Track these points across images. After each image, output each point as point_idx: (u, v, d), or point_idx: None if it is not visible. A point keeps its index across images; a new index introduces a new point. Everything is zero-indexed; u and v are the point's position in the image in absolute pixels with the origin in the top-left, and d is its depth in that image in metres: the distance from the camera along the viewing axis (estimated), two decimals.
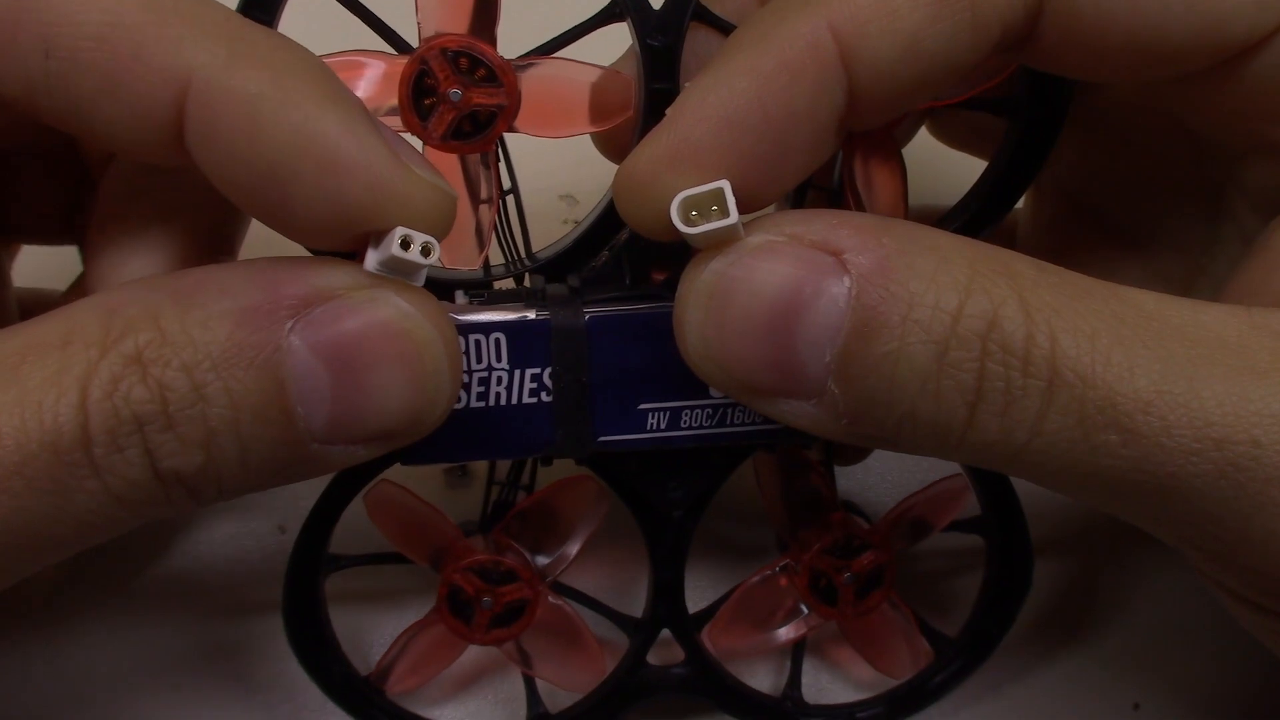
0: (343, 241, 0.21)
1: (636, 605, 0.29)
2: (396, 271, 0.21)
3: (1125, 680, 0.32)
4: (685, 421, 0.25)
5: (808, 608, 0.29)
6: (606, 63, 0.26)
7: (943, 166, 0.31)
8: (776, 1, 0.21)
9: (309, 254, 0.22)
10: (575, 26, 0.25)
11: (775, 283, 0.20)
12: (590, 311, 0.24)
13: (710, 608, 0.30)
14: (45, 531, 0.19)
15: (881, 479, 0.34)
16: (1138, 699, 0.31)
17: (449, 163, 0.25)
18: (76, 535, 0.20)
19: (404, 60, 0.24)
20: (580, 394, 0.24)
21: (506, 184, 0.26)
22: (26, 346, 0.19)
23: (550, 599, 0.28)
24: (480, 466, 0.31)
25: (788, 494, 0.30)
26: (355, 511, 0.27)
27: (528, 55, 0.25)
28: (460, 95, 0.24)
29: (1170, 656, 0.32)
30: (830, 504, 0.30)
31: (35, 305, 0.30)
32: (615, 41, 0.26)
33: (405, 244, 0.20)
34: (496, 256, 0.26)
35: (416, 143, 0.24)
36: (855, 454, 0.31)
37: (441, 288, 0.26)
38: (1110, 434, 0.20)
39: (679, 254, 0.22)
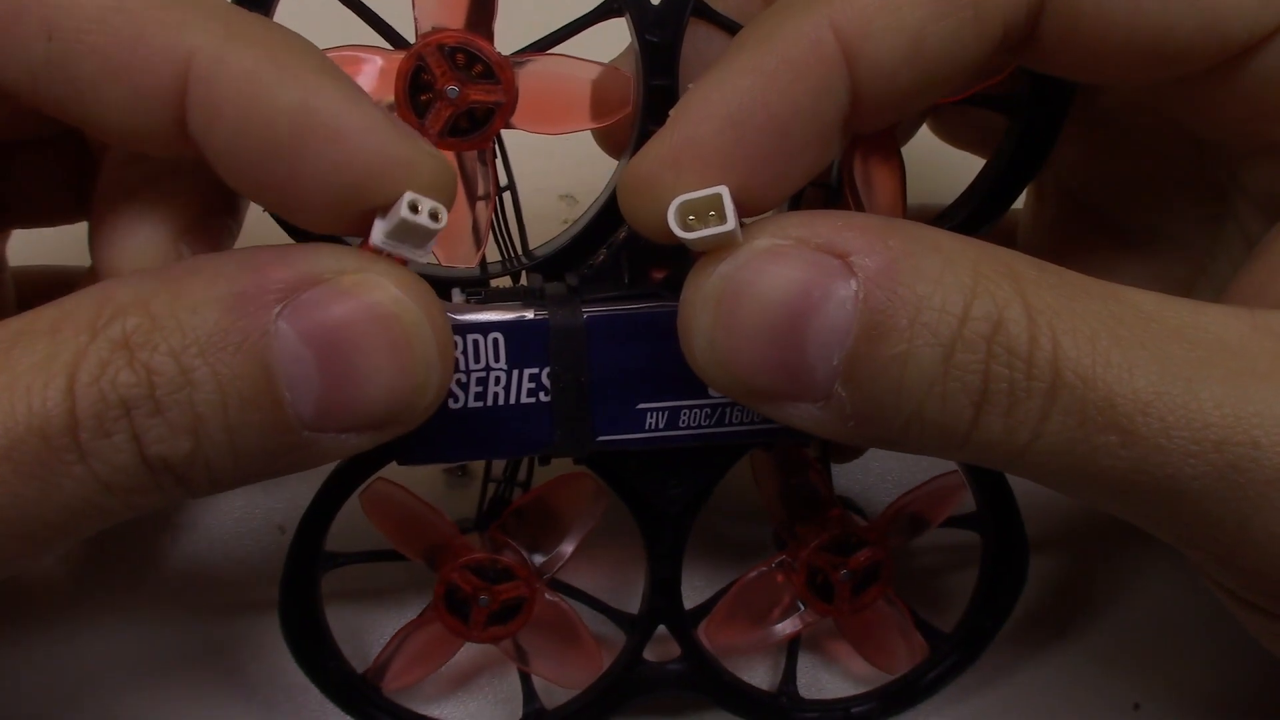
0: (347, 218, 0.20)
1: (633, 602, 0.29)
2: (405, 240, 0.20)
3: (1125, 679, 0.32)
4: (684, 421, 0.25)
5: (804, 604, 0.29)
6: (605, 59, 0.26)
7: (942, 164, 0.31)
8: (780, 1, 0.21)
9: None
10: (573, 22, 0.25)
11: (783, 287, 0.20)
12: (589, 311, 0.24)
13: (707, 604, 0.30)
14: (34, 518, 0.19)
15: (879, 476, 0.34)
16: (1137, 698, 0.31)
17: (449, 161, 0.25)
18: (66, 524, 0.20)
19: (400, 56, 0.24)
20: (579, 394, 0.24)
21: (504, 180, 0.26)
22: (17, 333, 0.19)
23: (547, 596, 0.28)
24: (479, 465, 0.31)
25: (785, 491, 0.30)
26: (352, 510, 0.27)
27: (525, 51, 0.25)
28: (457, 92, 0.24)
29: (1170, 655, 0.32)
30: (827, 501, 0.30)
31: (58, 283, 0.30)
32: (614, 37, 0.25)
33: (414, 208, 0.20)
34: (494, 254, 0.26)
35: None
36: (852, 451, 0.31)
37: (438, 285, 0.26)
38: (1110, 435, 0.20)
39: (678, 252, 0.22)
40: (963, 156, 0.31)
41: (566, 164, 0.34)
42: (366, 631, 0.31)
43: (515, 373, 0.24)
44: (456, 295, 0.25)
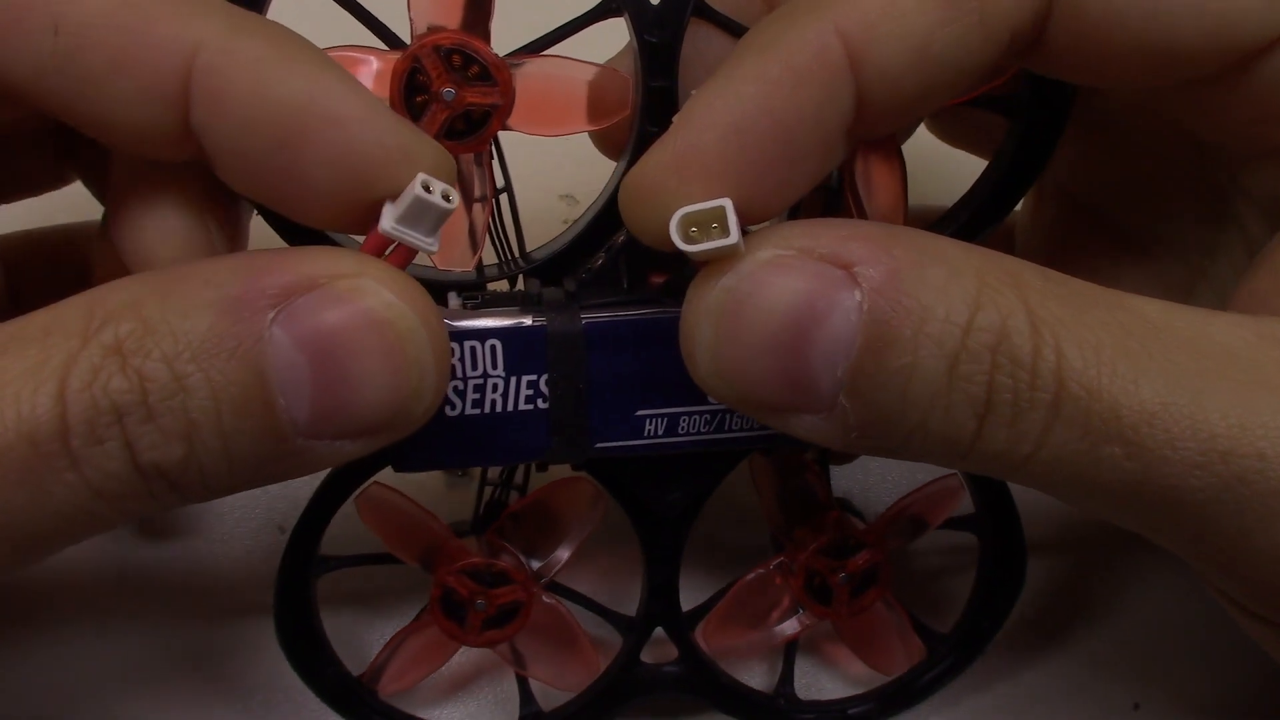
0: (349, 210, 0.20)
1: (631, 605, 0.29)
2: (416, 224, 0.20)
3: (1124, 680, 0.32)
4: (683, 427, 0.25)
5: (802, 607, 0.29)
6: (603, 59, 0.25)
7: (942, 164, 0.30)
8: (784, 6, 0.21)
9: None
10: (571, 21, 0.24)
11: (787, 298, 0.20)
12: (587, 317, 0.24)
13: (704, 606, 0.29)
14: (24, 525, 0.19)
15: (878, 478, 0.34)
16: (1137, 699, 0.31)
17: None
18: (58, 530, 0.19)
19: (395, 56, 0.23)
20: (577, 401, 0.24)
21: (501, 183, 0.26)
22: (9, 338, 0.19)
23: (544, 599, 0.28)
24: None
25: (783, 493, 0.30)
26: (350, 514, 0.27)
27: (522, 52, 0.24)
28: (453, 94, 0.23)
29: (1170, 657, 0.32)
30: (825, 503, 0.29)
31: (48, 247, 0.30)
32: (612, 37, 0.25)
33: (427, 189, 0.20)
34: (490, 257, 0.26)
35: None
36: (850, 454, 0.31)
37: (434, 289, 0.25)
38: (1114, 446, 0.20)
39: (677, 256, 0.21)
40: (963, 156, 0.31)
41: (567, 164, 0.34)
42: (363, 635, 0.31)
43: (513, 380, 0.24)
44: (453, 299, 0.25)
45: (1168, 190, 0.28)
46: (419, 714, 0.29)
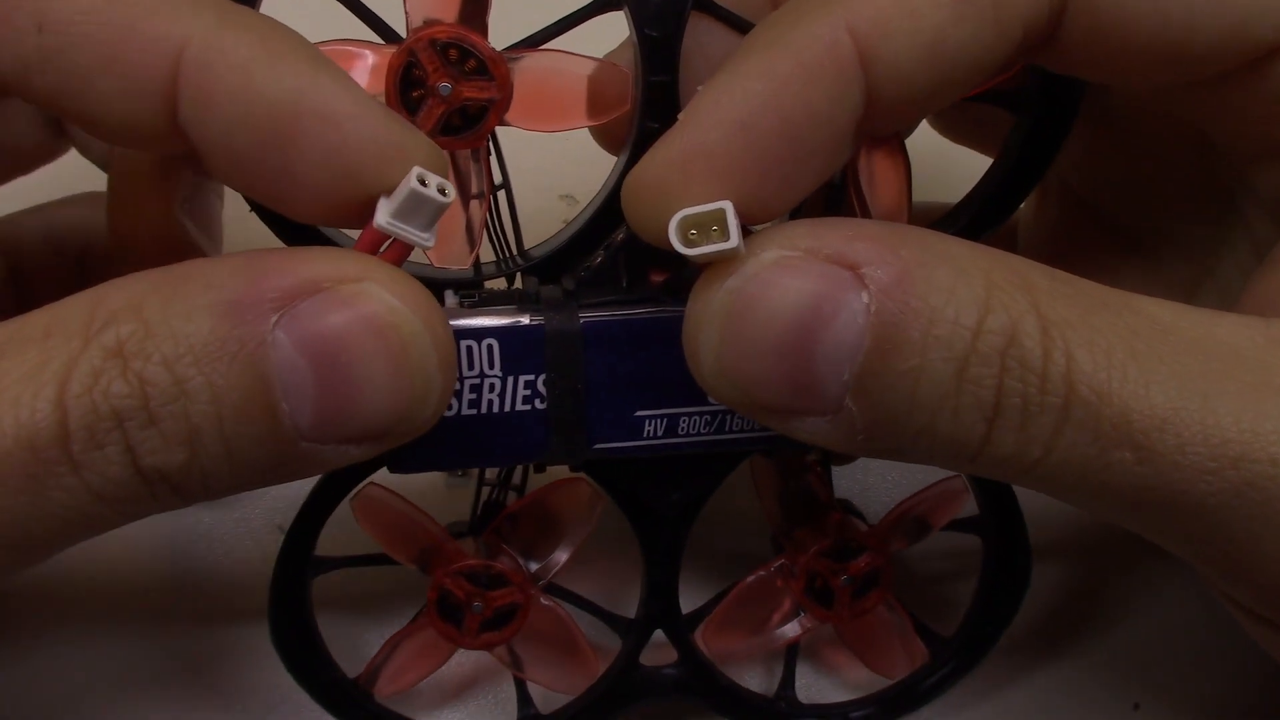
0: (340, 206, 0.20)
1: (630, 607, 0.29)
2: (412, 219, 0.20)
3: (1125, 681, 0.31)
4: (683, 428, 0.24)
5: (804, 609, 0.29)
6: (602, 54, 0.25)
7: (945, 161, 0.30)
8: (793, 1, 0.20)
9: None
10: (569, 15, 0.24)
11: (793, 300, 0.19)
12: (586, 316, 0.23)
13: (704, 608, 0.29)
14: (24, 529, 0.19)
15: (878, 478, 0.34)
16: (1137, 699, 0.31)
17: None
18: (58, 534, 0.19)
19: (391, 50, 0.23)
20: (575, 401, 0.24)
21: (498, 179, 0.25)
22: (9, 338, 0.19)
23: (542, 601, 0.28)
24: None
25: (785, 495, 0.29)
26: (347, 515, 0.26)
27: (520, 46, 0.24)
28: (450, 89, 0.23)
29: (1170, 658, 0.32)
30: (827, 504, 0.29)
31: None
32: (612, 31, 0.25)
33: (423, 182, 0.20)
34: (488, 255, 0.26)
35: None
36: (852, 455, 0.31)
37: (432, 287, 0.25)
38: (1124, 451, 0.19)
39: (677, 254, 0.21)
40: (967, 152, 0.30)
41: (566, 161, 0.33)
42: (359, 637, 0.31)
43: (510, 380, 0.23)
44: (450, 297, 0.25)
45: (1173, 188, 0.28)
46: (416, 716, 0.29)
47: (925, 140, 0.29)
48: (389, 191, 0.20)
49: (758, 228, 0.21)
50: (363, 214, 0.20)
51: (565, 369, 0.23)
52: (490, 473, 0.28)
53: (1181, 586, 0.32)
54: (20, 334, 0.19)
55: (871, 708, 0.30)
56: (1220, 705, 0.31)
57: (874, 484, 0.34)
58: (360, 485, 0.26)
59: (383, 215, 0.20)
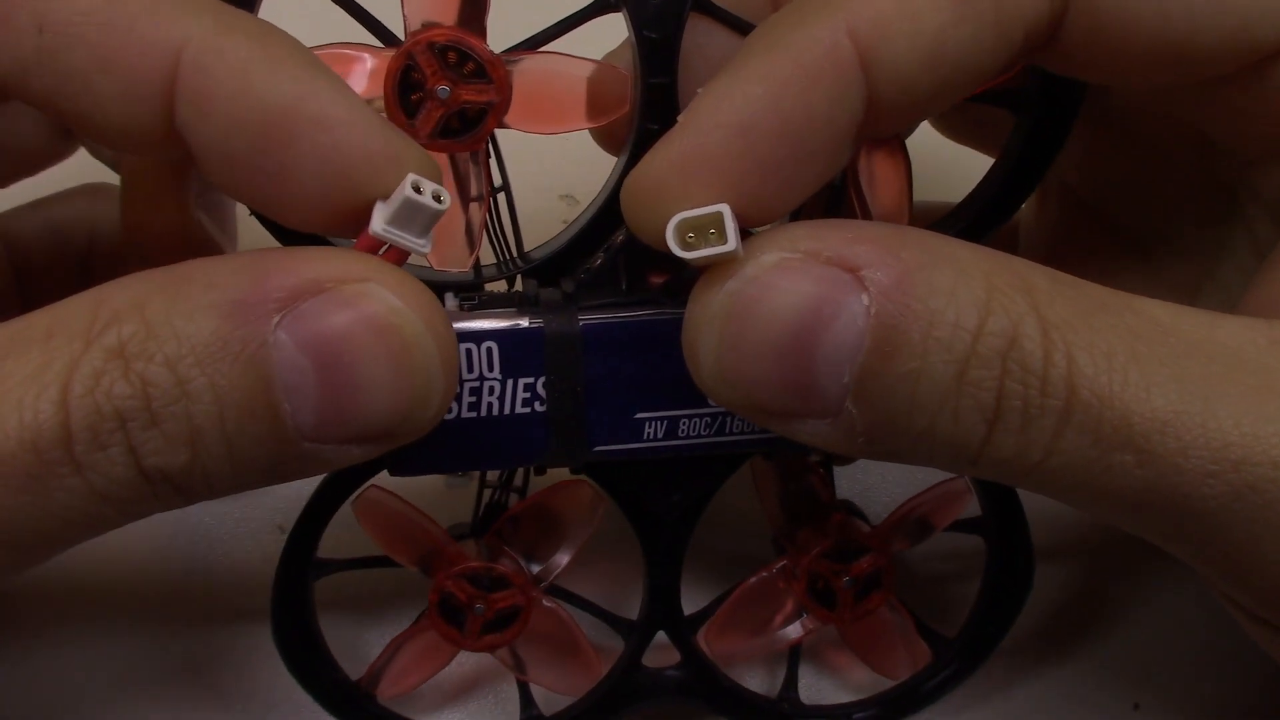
0: (334, 213, 0.20)
1: (632, 609, 0.29)
2: (407, 225, 0.20)
3: (1125, 681, 0.31)
4: (683, 430, 0.24)
5: (806, 611, 0.29)
6: (601, 56, 0.25)
7: (945, 161, 0.30)
8: (792, 4, 0.20)
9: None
10: (568, 17, 0.24)
11: (793, 303, 0.19)
12: (585, 318, 0.23)
13: (706, 610, 0.29)
14: (28, 530, 0.19)
15: (880, 478, 0.34)
16: (1138, 700, 0.31)
17: (437, 161, 0.24)
18: (61, 534, 0.19)
19: (390, 53, 0.23)
20: (575, 403, 0.24)
21: (498, 181, 0.25)
22: (11, 340, 0.19)
23: (544, 603, 0.28)
24: None
25: (786, 496, 0.29)
26: (349, 517, 0.26)
27: (519, 48, 0.24)
28: (449, 92, 0.23)
29: (1170, 658, 0.32)
30: (829, 505, 0.29)
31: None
32: (610, 33, 0.25)
33: (417, 189, 0.20)
34: (488, 257, 0.26)
35: None
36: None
37: (432, 289, 0.25)
38: (1126, 454, 0.19)
39: (678, 258, 0.21)
40: (967, 152, 0.30)
41: (568, 163, 0.33)
42: (361, 639, 0.31)
43: (509, 382, 0.23)
44: (449, 300, 0.25)
45: (1174, 190, 0.27)
46: (418, 718, 0.29)
47: (926, 140, 0.29)
48: (384, 198, 0.20)
49: (755, 231, 0.20)
50: (357, 221, 0.20)
51: (565, 371, 0.23)
52: (491, 475, 0.28)
53: (1182, 588, 0.32)
54: (22, 335, 0.19)
55: (874, 709, 0.30)
56: (1220, 706, 0.31)
57: (876, 484, 0.34)
58: (362, 488, 0.26)
59: (378, 222, 0.20)
